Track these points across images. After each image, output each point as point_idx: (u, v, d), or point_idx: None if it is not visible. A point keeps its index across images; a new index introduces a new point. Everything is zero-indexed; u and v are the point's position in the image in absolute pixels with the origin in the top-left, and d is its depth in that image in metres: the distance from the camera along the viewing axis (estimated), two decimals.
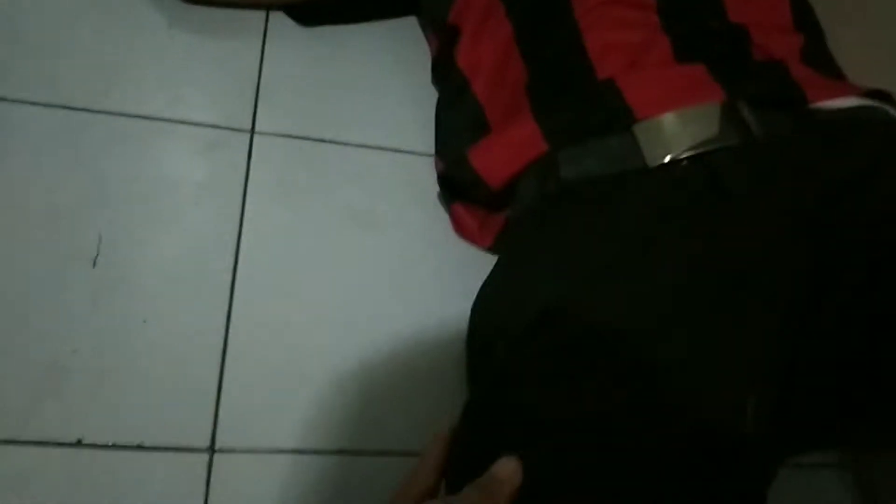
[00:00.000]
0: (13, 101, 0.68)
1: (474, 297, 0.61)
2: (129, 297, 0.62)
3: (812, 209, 0.48)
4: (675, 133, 0.54)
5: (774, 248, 0.48)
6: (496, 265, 0.63)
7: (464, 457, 0.49)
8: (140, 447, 0.57)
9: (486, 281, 0.62)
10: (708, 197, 0.50)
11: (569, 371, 0.46)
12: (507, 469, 0.43)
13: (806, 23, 0.67)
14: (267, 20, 0.80)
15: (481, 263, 0.66)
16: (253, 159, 0.72)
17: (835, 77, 0.64)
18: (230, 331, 0.63)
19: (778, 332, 0.47)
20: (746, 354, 0.46)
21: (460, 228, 0.72)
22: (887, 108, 0.57)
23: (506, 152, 0.62)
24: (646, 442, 0.44)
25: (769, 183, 0.50)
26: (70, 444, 0.56)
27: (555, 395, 0.46)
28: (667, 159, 0.53)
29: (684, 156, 0.53)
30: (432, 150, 0.75)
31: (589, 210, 0.54)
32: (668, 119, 0.55)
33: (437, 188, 0.74)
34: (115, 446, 0.57)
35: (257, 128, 0.74)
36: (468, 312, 0.61)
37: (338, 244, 0.70)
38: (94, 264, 0.63)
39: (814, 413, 0.49)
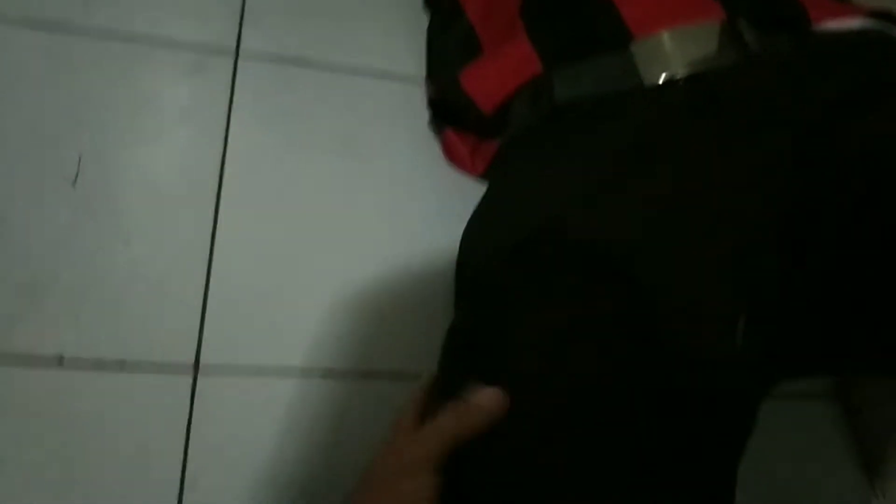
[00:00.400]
0: None
1: (464, 224, 0.60)
2: (110, 216, 0.61)
3: (808, 127, 0.47)
4: (672, 51, 0.52)
5: (769, 165, 0.47)
6: (488, 190, 0.62)
7: (445, 382, 0.49)
8: (122, 365, 0.56)
9: (477, 207, 0.61)
10: (703, 113, 0.49)
11: (559, 285, 0.46)
12: (488, 397, 0.43)
13: None
14: None
15: (472, 191, 0.65)
16: (237, 82, 0.70)
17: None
18: (214, 252, 0.61)
19: (770, 253, 0.46)
20: (739, 273, 0.45)
21: (451, 155, 0.71)
22: (891, 28, 0.55)
23: (499, 74, 0.61)
24: (634, 358, 0.43)
25: (765, 100, 0.49)
26: (51, 362, 0.55)
27: (543, 312, 0.45)
28: (663, 78, 0.52)
29: (681, 74, 0.51)
30: (423, 75, 0.73)
31: (583, 129, 0.53)
32: (666, 37, 0.53)
33: (427, 114, 0.72)
34: (96, 364, 0.56)
35: (242, 50, 0.72)
36: (457, 239, 0.60)
37: (324, 169, 0.68)
38: (75, 184, 0.61)
39: (803, 337, 0.49)
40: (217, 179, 0.64)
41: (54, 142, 0.62)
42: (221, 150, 0.66)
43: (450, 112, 0.68)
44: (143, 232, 0.61)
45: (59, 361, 0.55)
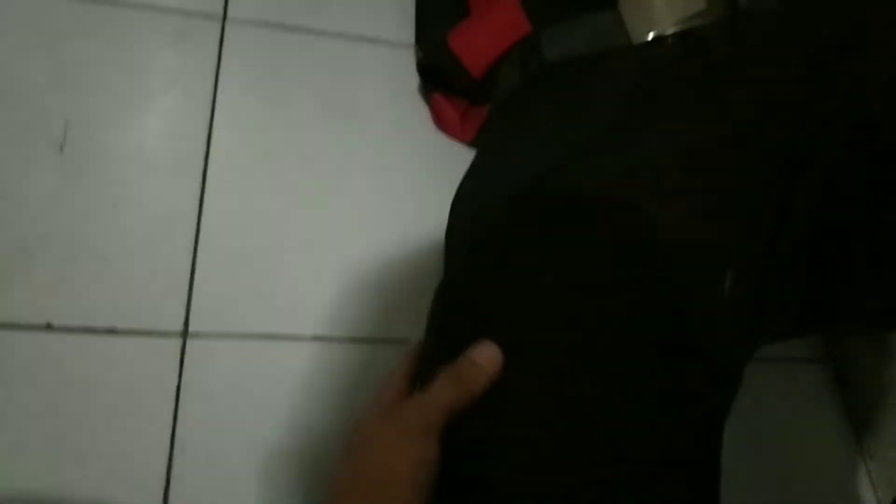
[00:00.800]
0: None
1: (454, 190, 0.60)
2: (97, 182, 0.60)
3: (796, 79, 0.46)
4: (660, 8, 0.52)
5: (756, 119, 0.46)
6: (478, 152, 0.61)
7: (437, 345, 0.48)
8: (111, 331, 0.56)
9: (467, 171, 0.60)
10: (693, 68, 0.48)
11: (561, 234, 0.45)
12: (485, 354, 0.42)
13: None
14: None
15: (462, 157, 0.65)
16: (224, 47, 0.69)
17: None
18: (202, 217, 0.61)
19: (759, 207, 0.46)
20: (730, 225, 0.45)
21: (441, 121, 0.70)
22: None
23: (487, 35, 0.60)
24: (633, 309, 0.43)
25: (754, 53, 0.48)
26: (39, 328, 0.55)
27: (545, 263, 0.45)
28: (651, 36, 0.51)
29: (670, 31, 0.51)
30: (412, 41, 0.72)
31: (573, 87, 0.53)
32: None
33: (416, 80, 0.71)
34: (85, 330, 0.56)
35: (229, 16, 0.71)
36: (447, 204, 0.59)
37: (312, 135, 0.67)
38: (62, 150, 0.61)
39: (787, 295, 0.49)
40: (205, 145, 0.64)
41: (41, 108, 0.62)
42: (209, 115, 0.65)
43: (439, 76, 0.68)
44: (131, 197, 0.60)
45: (48, 328, 0.55)
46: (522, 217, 0.48)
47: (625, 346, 0.41)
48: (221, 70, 0.67)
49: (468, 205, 0.57)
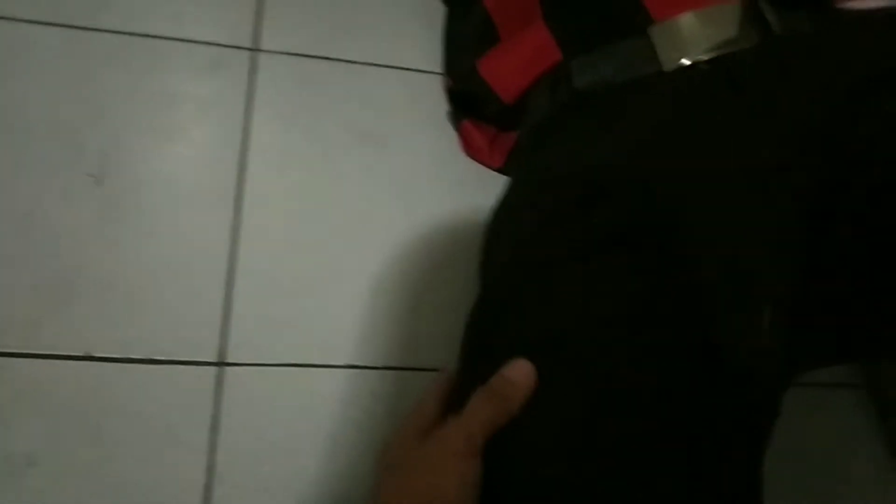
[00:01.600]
0: (13, 19, 0.66)
1: (485, 215, 0.60)
2: (134, 213, 0.62)
3: (831, 110, 0.46)
4: (692, 35, 0.51)
5: (791, 148, 0.46)
6: (510, 180, 0.61)
7: (471, 365, 0.48)
8: (150, 361, 0.57)
9: (500, 198, 0.60)
10: (726, 97, 0.48)
11: (590, 260, 0.45)
12: (521, 371, 0.42)
13: None
14: None
15: (491, 183, 0.65)
16: (257, 77, 0.70)
17: None
18: (238, 247, 0.62)
19: (796, 239, 0.45)
20: (767, 261, 0.45)
21: (470, 147, 0.71)
22: None
23: (517, 62, 0.60)
24: (662, 344, 0.42)
25: (788, 81, 0.48)
26: (79, 358, 0.56)
27: (574, 289, 0.45)
28: (683, 62, 0.51)
29: (702, 58, 0.51)
30: (439, 69, 0.73)
31: (604, 115, 0.53)
32: (686, 20, 0.52)
33: (444, 108, 0.72)
34: (124, 360, 0.57)
35: (261, 46, 0.72)
36: (478, 232, 0.59)
37: (344, 163, 0.68)
38: (98, 181, 0.62)
39: (826, 323, 0.48)
40: (238, 175, 0.65)
41: (77, 140, 0.63)
42: (242, 145, 0.66)
43: (468, 103, 0.68)
44: (167, 228, 0.62)
45: (88, 358, 0.56)
46: (564, 237, 0.47)
47: (662, 381, 0.41)
48: (254, 99, 0.69)
49: (504, 226, 0.57)
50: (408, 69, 0.75)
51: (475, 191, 0.67)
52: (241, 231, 0.63)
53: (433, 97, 0.73)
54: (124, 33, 0.69)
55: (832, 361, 0.62)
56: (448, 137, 0.72)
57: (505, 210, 0.57)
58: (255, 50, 0.72)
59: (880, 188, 0.44)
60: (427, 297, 0.64)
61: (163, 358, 0.57)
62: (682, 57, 0.51)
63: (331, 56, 0.73)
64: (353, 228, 0.65)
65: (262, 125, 0.67)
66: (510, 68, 0.60)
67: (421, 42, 0.76)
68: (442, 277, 0.65)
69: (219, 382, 0.57)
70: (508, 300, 0.48)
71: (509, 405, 0.41)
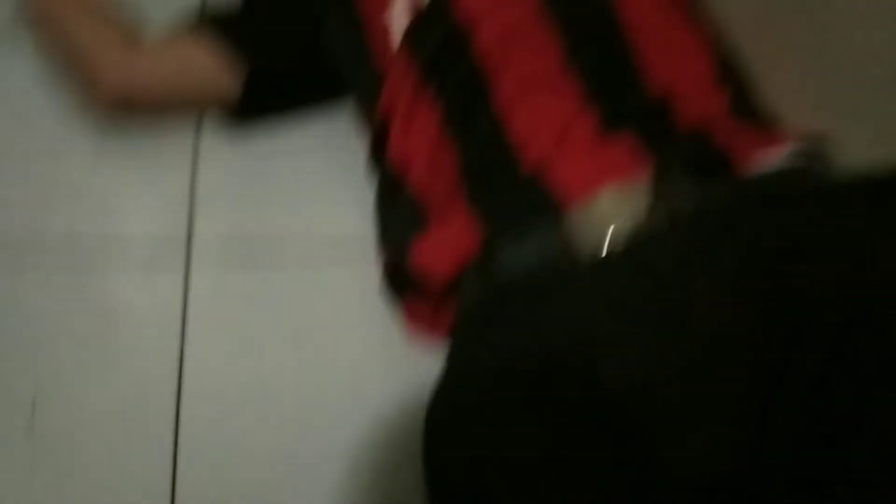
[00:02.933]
0: None
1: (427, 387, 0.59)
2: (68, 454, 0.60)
3: (744, 291, 0.47)
4: (604, 217, 0.52)
5: (721, 332, 0.46)
6: (448, 366, 0.61)
7: None
8: None
9: (441, 383, 0.59)
10: (644, 288, 0.49)
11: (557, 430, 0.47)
12: None
13: (730, 74, 0.66)
14: (197, 135, 0.78)
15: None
16: (191, 281, 0.70)
17: (764, 126, 0.64)
18: (177, 472, 0.60)
19: (739, 414, 0.45)
20: (714, 444, 0.45)
21: (413, 319, 0.70)
22: (819, 161, 0.56)
23: (446, 248, 0.60)
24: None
25: (699, 264, 0.48)
26: None
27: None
28: (598, 249, 0.52)
29: (617, 240, 0.51)
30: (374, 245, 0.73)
31: (529, 307, 0.53)
32: (599, 202, 0.53)
33: (382, 286, 0.71)
34: None
35: (194, 240, 0.72)
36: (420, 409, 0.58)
37: (284, 361, 0.67)
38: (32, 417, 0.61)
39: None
40: (176, 391, 0.64)
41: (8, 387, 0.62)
42: (178, 358, 0.65)
43: (406, 279, 0.68)
44: (103, 461, 0.60)
45: None
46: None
47: None
48: (188, 306, 0.68)
49: (458, 422, 0.56)
50: (344, 246, 0.75)
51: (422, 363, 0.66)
52: (179, 453, 0.61)
53: (372, 270, 0.73)
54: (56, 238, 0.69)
55: None
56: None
57: (453, 404, 0.57)
58: (188, 243, 0.72)
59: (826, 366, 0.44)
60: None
61: None
62: (596, 243, 0.51)
63: (266, 240, 0.73)
64: (294, 435, 0.64)
65: (199, 337, 0.67)
66: (441, 255, 0.60)
67: (357, 208, 0.76)
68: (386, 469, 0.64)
69: None
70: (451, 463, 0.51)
71: None
